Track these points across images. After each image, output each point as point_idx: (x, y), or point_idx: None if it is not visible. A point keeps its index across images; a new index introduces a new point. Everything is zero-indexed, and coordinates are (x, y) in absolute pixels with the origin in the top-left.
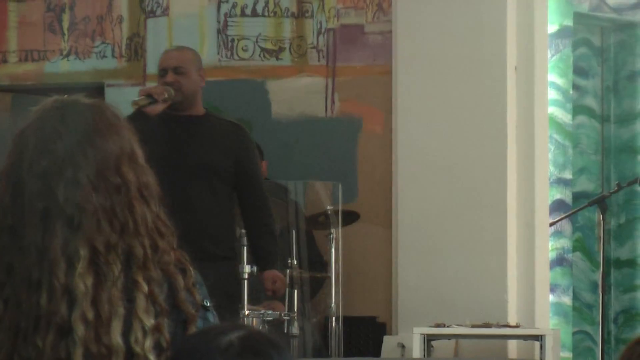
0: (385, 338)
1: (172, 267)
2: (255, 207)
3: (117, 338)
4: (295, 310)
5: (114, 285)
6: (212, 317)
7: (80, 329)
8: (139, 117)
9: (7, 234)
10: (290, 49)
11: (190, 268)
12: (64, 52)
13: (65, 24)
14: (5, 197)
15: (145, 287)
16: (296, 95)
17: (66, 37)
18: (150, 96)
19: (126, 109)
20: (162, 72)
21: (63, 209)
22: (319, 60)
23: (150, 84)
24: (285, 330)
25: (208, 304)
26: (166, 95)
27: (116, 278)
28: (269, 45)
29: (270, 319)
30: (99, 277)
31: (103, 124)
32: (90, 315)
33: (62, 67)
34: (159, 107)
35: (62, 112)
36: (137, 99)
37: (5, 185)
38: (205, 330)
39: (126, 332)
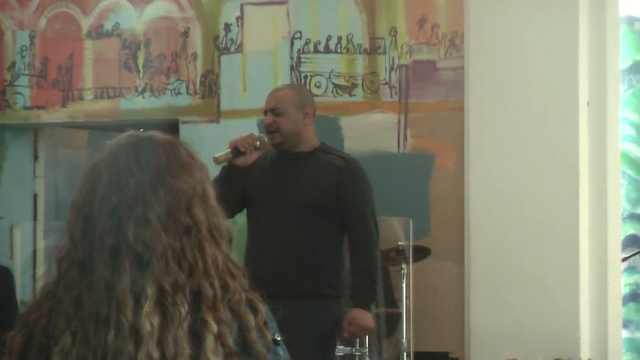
0: None
1: (243, 306)
2: (354, 242)
3: None
4: (367, 345)
5: (180, 326)
6: (282, 351)
7: None
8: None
9: (77, 268)
10: (362, 85)
11: (262, 307)
12: (139, 89)
13: (140, 61)
14: (76, 231)
15: (215, 328)
16: (369, 131)
17: (141, 74)
18: (235, 149)
19: (199, 146)
20: (264, 113)
21: (132, 247)
22: (391, 97)
23: (224, 122)
24: None
25: (278, 338)
26: (258, 144)
27: (183, 319)
28: (341, 82)
29: (342, 354)
30: (165, 317)
31: (176, 163)
32: (155, 355)
33: (137, 103)
34: (251, 157)
35: (135, 149)
36: (218, 155)
37: (76, 219)
38: None
39: None
